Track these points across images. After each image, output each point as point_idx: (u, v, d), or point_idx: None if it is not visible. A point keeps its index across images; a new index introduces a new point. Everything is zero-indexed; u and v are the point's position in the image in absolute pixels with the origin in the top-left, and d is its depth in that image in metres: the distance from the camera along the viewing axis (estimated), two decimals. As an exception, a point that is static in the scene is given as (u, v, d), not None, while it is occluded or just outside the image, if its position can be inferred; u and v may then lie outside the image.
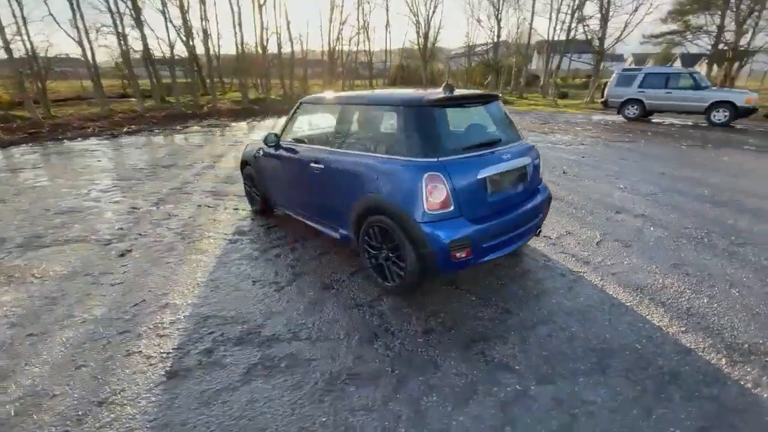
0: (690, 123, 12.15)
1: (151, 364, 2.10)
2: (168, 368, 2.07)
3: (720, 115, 11.12)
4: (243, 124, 12.98)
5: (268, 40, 18.29)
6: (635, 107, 12.65)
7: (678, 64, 24.53)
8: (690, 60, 33.43)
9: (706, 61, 23.78)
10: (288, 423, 1.73)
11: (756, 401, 1.83)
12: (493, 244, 2.54)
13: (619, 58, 49.19)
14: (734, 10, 18.70)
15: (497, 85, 26.41)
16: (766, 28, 17.96)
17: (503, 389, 1.92)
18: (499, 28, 23.96)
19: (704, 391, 1.88)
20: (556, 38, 23.30)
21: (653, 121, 12.79)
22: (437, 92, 2.67)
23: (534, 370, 2.04)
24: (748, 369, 2.03)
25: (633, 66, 15.65)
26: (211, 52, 18.13)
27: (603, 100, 13.67)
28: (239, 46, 16.87)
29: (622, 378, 1.98)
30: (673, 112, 12.29)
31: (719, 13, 18.29)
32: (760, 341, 2.23)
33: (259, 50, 18.26)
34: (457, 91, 2.80)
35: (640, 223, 4.00)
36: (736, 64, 19.49)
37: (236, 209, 4.67)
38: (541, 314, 2.53)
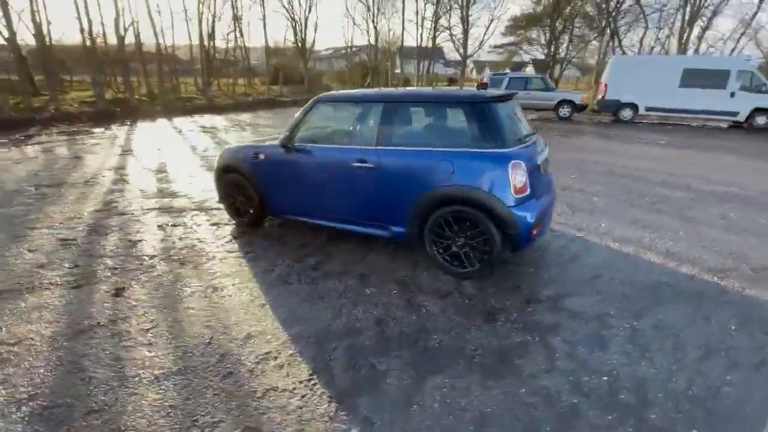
0: (536, 117, 15.14)
1: None
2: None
3: (565, 111, 14.22)
4: (117, 130, 10.73)
5: (126, 29, 15.28)
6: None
7: (530, 69, 30.02)
8: (542, 66, 41.48)
9: (532, 66, 29.91)
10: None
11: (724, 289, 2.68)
12: (543, 222, 2.96)
13: (456, 64, 57.47)
14: (548, 27, 24.02)
15: (375, 86, 27.88)
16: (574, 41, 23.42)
17: (616, 327, 2.33)
18: (376, 31, 25.29)
19: (712, 294, 2.66)
20: (423, 44, 25.85)
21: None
22: (479, 90, 2.94)
23: (624, 310, 2.52)
24: (722, 276, 2.92)
25: (499, 72, 18.69)
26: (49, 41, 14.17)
27: (479, 99, 15.96)
28: (86, 36, 13.62)
29: (675, 302, 2.62)
30: (532, 109, 15.18)
31: (548, 28, 23.07)
32: (729, 261, 3.20)
33: (114, 41, 15.18)
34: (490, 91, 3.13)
35: (586, 196, 5.04)
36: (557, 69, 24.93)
37: (215, 225, 4.05)
38: (585, 271, 3.06)
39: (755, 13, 18.26)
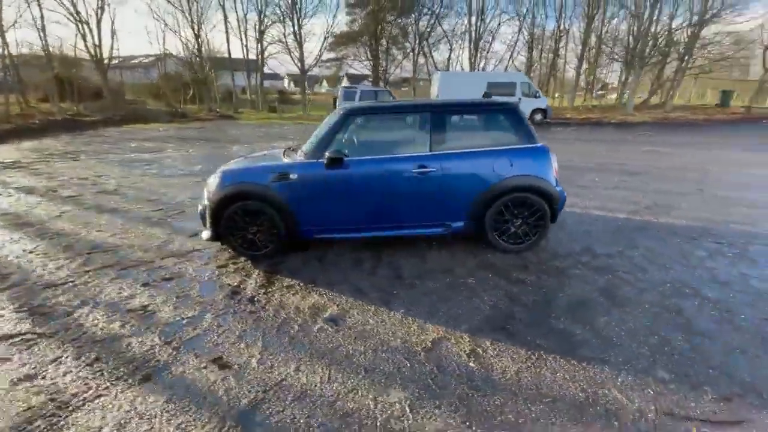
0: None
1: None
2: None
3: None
4: None
5: None
6: (360, 115, 16.46)
7: (367, 82, 32.64)
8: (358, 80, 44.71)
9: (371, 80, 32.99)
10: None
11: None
12: None
13: (276, 77, 57.43)
14: (368, 45, 27.12)
15: (201, 98, 25.13)
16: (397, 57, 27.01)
17: (647, 281, 3.40)
18: (199, 42, 22.76)
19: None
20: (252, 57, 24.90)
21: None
22: (493, 98, 3.61)
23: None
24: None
25: (352, 85, 19.99)
26: None
27: (336, 110, 16.83)
28: None
29: (681, 243, 3.92)
30: (383, 117, 17.01)
31: (368, 46, 25.77)
32: (705, 224, 4.84)
33: None
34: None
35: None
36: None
37: (232, 266, 3.40)
38: (608, 235, 4.13)
39: (516, 40, 25.48)
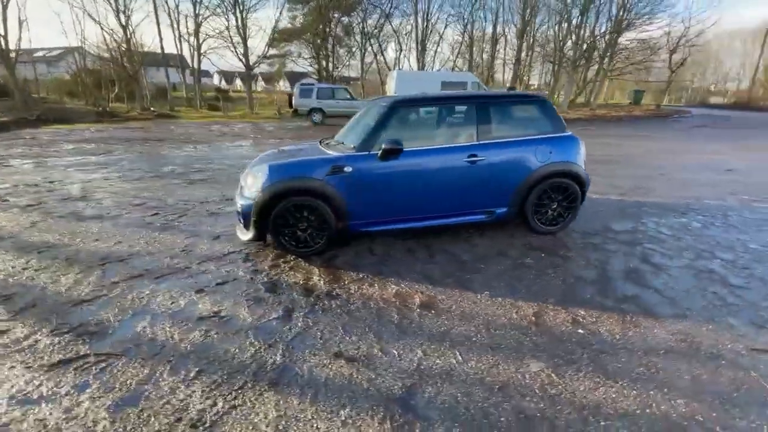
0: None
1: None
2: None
3: None
4: None
5: None
6: (318, 114, 16.15)
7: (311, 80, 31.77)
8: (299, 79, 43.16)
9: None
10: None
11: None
12: None
13: (206, 74, 54.18)
14: (311, 43, 26.66)
15: (130, 96, 22.72)
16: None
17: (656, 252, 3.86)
18: (127, 33, 20.43)
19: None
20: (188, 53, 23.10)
21: (330, 123, 16.84)
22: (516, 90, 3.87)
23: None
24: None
25: (309, 81, 19.34)
26: None
27: (293, 109, 16.31)
28: None
29: (676, 217, 4.44)
30: (343, 116, 16.83)
31: (312, 43, 25.23)
32: (684, 201, 5.42)
33: None
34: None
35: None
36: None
37: (284, 264, 3.23)
38: (616, 214, 4.56)
39: (461, 42, 26.66)
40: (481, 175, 3.47)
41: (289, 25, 27.10)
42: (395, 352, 2.15)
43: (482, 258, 3.34)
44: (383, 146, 3.22)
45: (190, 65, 25.39)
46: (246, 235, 3.36)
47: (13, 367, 2.06)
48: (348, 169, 3.25)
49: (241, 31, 21.12)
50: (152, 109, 20.92)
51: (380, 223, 3.49)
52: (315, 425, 1.69)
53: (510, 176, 3.55)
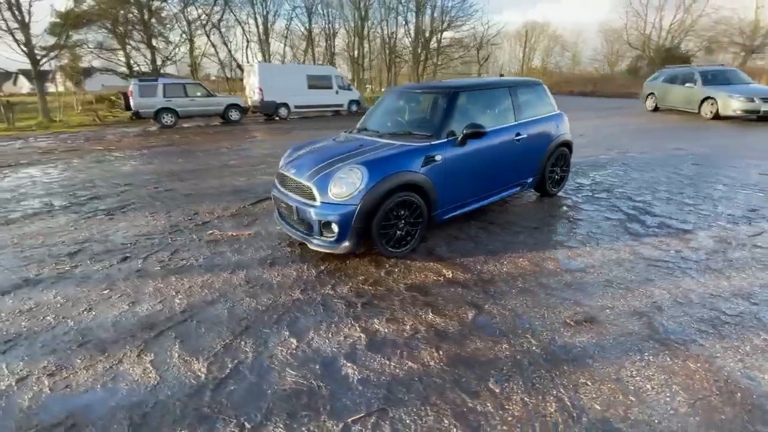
0: (202, 124, 14.96)
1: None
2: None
3: (235, 114, 14.86)
4: None
5: None
6: (170, 115, 13.49)
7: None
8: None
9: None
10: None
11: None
12: None
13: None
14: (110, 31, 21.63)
15: None
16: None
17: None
18: None
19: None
20: None
21: (185, 126, 14.34)
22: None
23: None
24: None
25: (149, 78, 15.14)
26: None
27: (133, 111, 13.08)
28: None
29: (658, 169, 5.72)
30: (198, 116, 14.50)
31: (113, 32, 20.36)
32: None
33: None
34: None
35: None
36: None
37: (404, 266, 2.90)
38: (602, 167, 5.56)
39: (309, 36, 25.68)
40: (524, 150, 3.90)
41: (82, 8, 21.08)
42: (617, 304, 2.38)
43: (530, 223, 3.79)
44: (465, 131, 3.23)
45: None
46: (338, 246, 2.87)
47: None
48: (438, 157, 3.14)
49: (16, 12, 15.16)
50: None
51: (453, 209, 3.49)
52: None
53: (539, 149, 4.09)
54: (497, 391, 1.78)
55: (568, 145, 4.49)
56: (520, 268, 2.89)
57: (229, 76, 23.77)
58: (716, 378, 1.81)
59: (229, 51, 23.08)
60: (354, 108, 18.19)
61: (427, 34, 24.30)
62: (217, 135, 11.34)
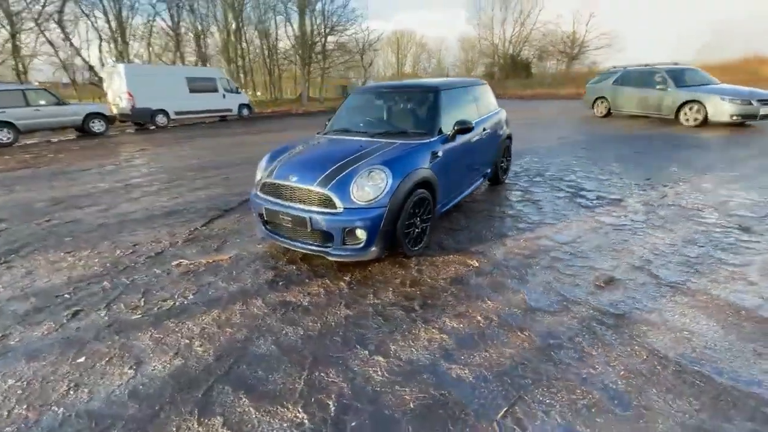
0: (54, 139, 12.11)
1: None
2: (623, 203, 4.15)
3: (98, 125, 12.31)
4: None
5: None
6: (6, 130, 10.47)
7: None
8: None
9: None
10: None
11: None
12: None
13: None
14: None
15: None
16: None
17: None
18: None
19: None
20: None
21: (29, 143, 11.29)
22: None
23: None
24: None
25: None
26: None
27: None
28: None
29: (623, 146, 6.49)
30: (48, 129, 11.54)
31: None
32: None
33: None
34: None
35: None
36: None
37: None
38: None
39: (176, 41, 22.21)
40: (488, 143, 4.25)
41: None
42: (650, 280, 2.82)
43: (498, 208, 4.21)
44: (456, 127, 3.37)
45: None
46: (366, 252, 2.72)
47: None
48: (440, 153, 3.22)
49: None
50: None
51: (447, 203, 3.62)
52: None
53: (494, 141, 4.50)
54: (594, 353, 1.97)
55: (510, 137, 5.07)
56: (526, 249, 3.19)
57: (73, 79, 19.15)
58: (722, 304, 2.33)
59: (77, 50, 18.79)
60: (245, 113, 16.97)
61: (315, 38, 23.93)
62: (85, 151, 9.25)
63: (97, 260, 3.27)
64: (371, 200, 2.67)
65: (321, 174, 2.81)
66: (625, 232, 3.41)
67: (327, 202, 2.71)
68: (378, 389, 1.80)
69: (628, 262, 2.89)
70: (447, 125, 3.44)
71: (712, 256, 2.92)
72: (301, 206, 2.82)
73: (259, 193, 3.16)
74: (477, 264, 2.95)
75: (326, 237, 2.78)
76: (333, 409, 1.71)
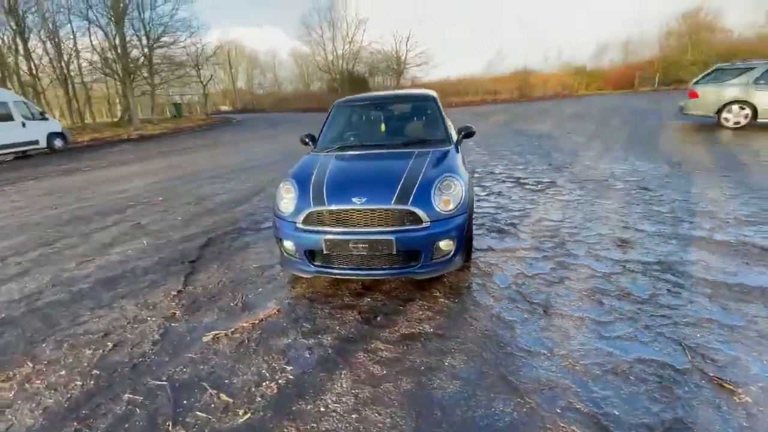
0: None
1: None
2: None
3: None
4: None
5: None
6: None
7: None
8: None
9: None
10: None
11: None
12: None
13: None
14: None
15: None
16: None
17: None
18: None
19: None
20: None
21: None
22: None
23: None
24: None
25: None
26: None
27: None
28: None
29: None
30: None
31: None
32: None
33: None
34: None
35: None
36: None
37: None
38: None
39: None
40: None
41: None
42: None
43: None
44: (463, 132, 3.58)
45: None
46: (452, 263, 2.69)
47: None
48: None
49: None
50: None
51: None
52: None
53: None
54: (667, 303, 2.44)
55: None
56: (550, 227, 3.68)
57: None
58: (737, 249, 3.08)
59: None
60: (59, 144, 13.01)
61: (141, 49, 19.80)
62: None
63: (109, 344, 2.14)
64: (453, 209, 2.63)
65: (392, 190, 2.60)
66: (619, 191, 4.30)
67: (412, 218, 2.54)
68: (585, 376, 1.87)
69: (635, 222, 3.68)
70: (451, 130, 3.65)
71: (704, 211, 4.00)
72: (379, 228, 2.55)
73: (303, 226, 2.67)
74: (524, 254, 3.24)
75: (410, 256, 2.60)
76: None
